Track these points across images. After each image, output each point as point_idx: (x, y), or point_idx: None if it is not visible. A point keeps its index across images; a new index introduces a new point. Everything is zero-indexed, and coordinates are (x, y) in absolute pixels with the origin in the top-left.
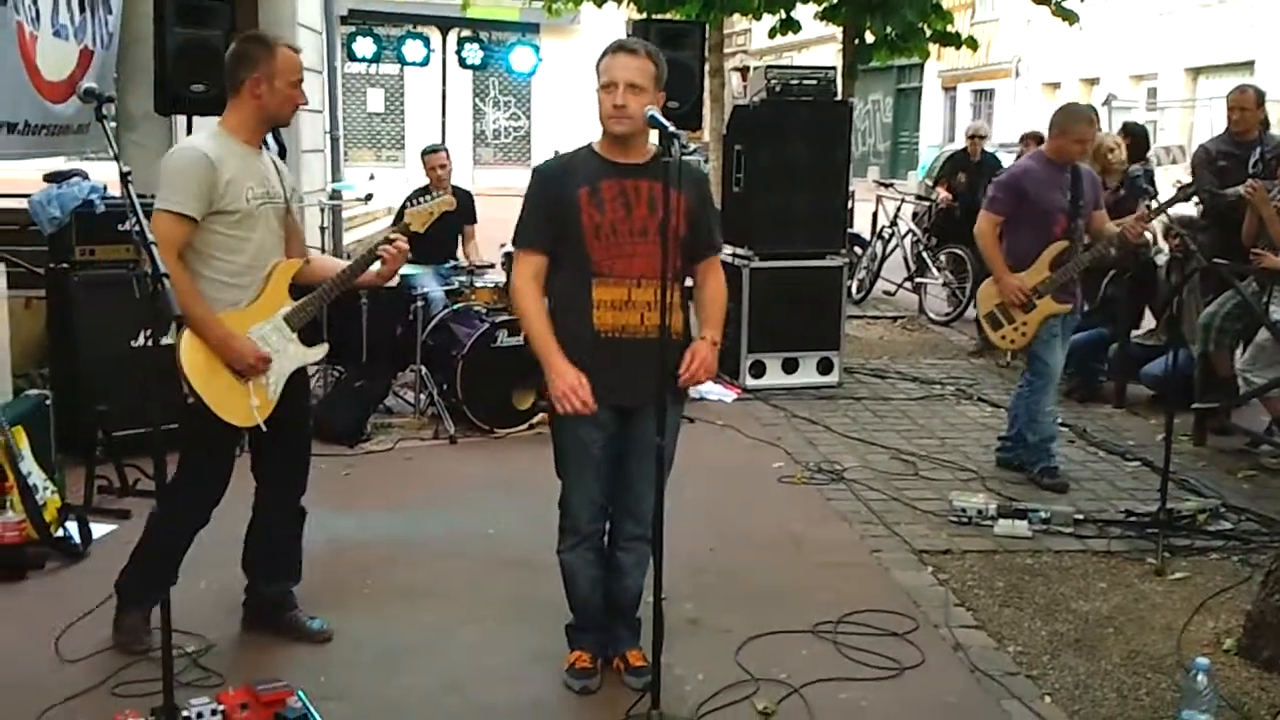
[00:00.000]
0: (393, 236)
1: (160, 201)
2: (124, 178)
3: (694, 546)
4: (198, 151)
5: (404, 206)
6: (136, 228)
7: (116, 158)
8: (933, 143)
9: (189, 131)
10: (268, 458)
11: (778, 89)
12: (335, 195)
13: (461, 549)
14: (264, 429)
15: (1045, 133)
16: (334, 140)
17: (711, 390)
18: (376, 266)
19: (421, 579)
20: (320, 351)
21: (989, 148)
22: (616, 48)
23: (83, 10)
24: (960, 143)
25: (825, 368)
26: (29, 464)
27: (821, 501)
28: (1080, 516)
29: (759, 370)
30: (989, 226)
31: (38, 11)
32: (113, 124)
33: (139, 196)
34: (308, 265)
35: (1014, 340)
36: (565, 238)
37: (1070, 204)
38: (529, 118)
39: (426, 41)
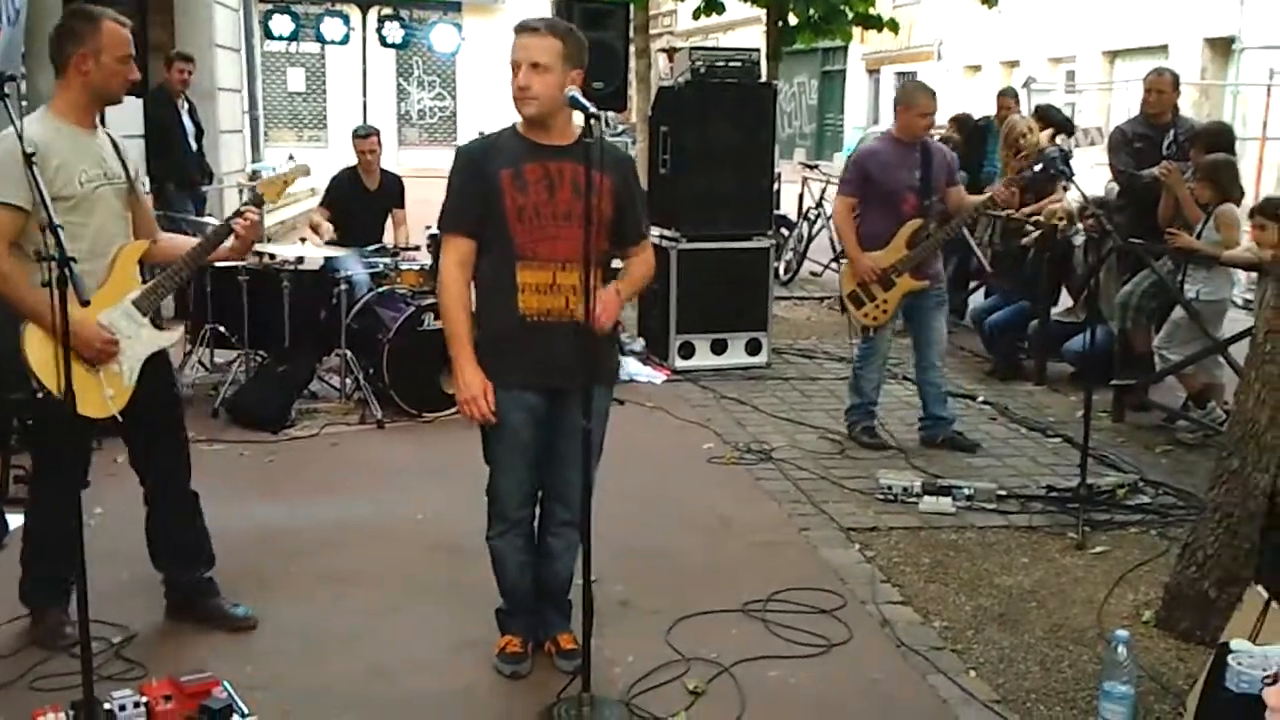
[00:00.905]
0: (244, 209)
1: None
2: (28, 159)
3: (624, 528)
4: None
5: (330, 186)
6: (46, 216)
7: (20, 137)
8: (857, 125)
9: (101, 113)
10: (142, 448)
11: (702, 71)
12: (254, 176)
13: (390, 534)
14: (119, 419)
15: (971, 115)
16: (253, 120)
17: (640, 372)
18: (231, 241)
19: (349, 565)
20: (175, 335)
21: None
22: (519, 27)
23: None
24: (886, 125)
25: (754, 349)
26: None
27: (751, 481)
28: (1003, 493)
29: (688, 351)
30: (844, 209)
31: None
32: (24, 103)
33: None
34: (157, 245)
35: (876, 317)
36: (489, 220)
37: (921, 182)
38: (454, 98)
39: (346, 19)
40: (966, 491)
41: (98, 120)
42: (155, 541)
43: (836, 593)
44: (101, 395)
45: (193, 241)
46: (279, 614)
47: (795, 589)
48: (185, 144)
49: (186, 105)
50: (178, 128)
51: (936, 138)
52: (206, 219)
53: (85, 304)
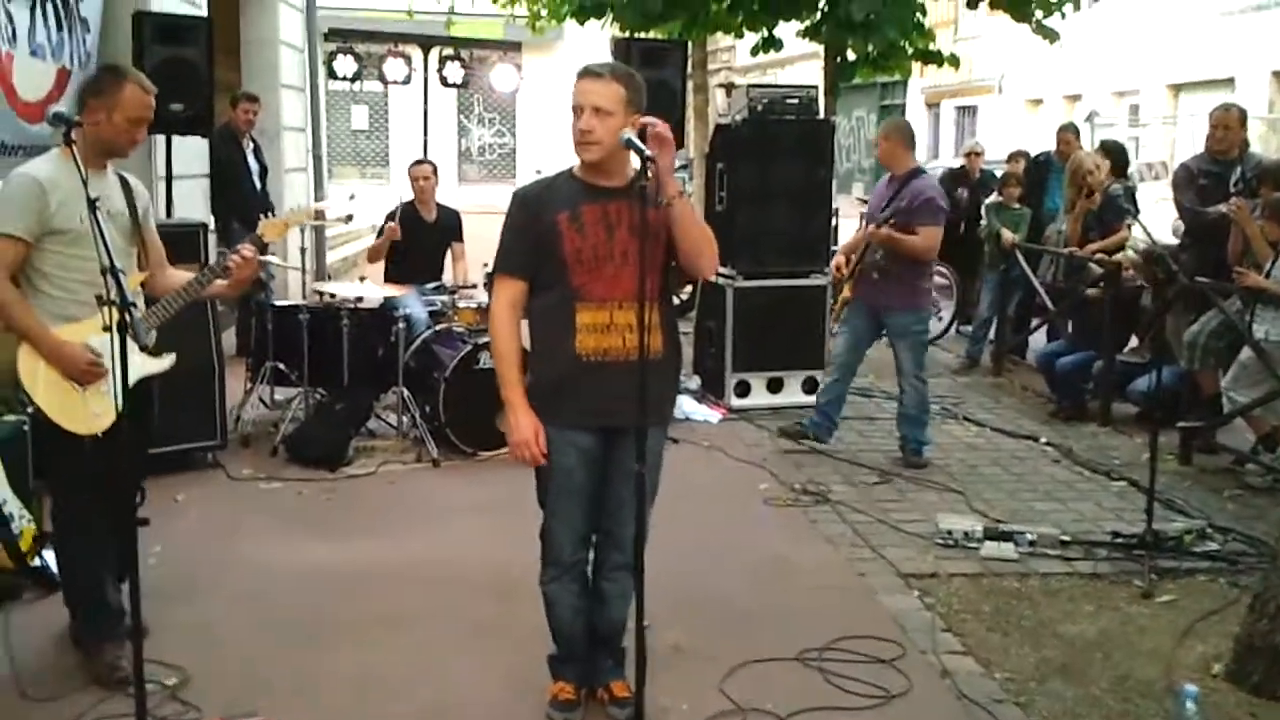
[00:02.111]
0: (239, 247)
1: None
2: (91, 205)
3: (679, 571)
4: (29, 176)
5: (385, 221)
6: (105, 261)
7: (85, 182)
8: (917, 159)
9: (169, 151)
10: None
11: (759, 108)
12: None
13: (445, 575)
14: (100, 436)
15: (1027, 151)
16: (316, 158)
17: (696, 411)
18: (224, 280)
19: (404, 606)
20: (165, 363)
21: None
22: (583, 72)
23: (60, 29)
24: (946, 160)
25: (810, 387)
26: (4, 491)
27: (807, 524)
28: (1066, 538)
29: (744, 390)
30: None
31: (14, 30)
32: None
33: None
34: (162, 278)
35: (835, 309)
36: (546, 262)
37: (882, 211)
38: (514, 134)
39: (408, 60)
40: (1029, 537)
41: (106, 164)
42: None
43: (895, 641)
44: (88, 412)
45: (192, 275)
46: (335, 656)
47: (853, 637)
48: (249, 182)
49: (251, 144)
50: (242, 166)
51: (999, 173)
52: (270, 257)
53: (144, 348)
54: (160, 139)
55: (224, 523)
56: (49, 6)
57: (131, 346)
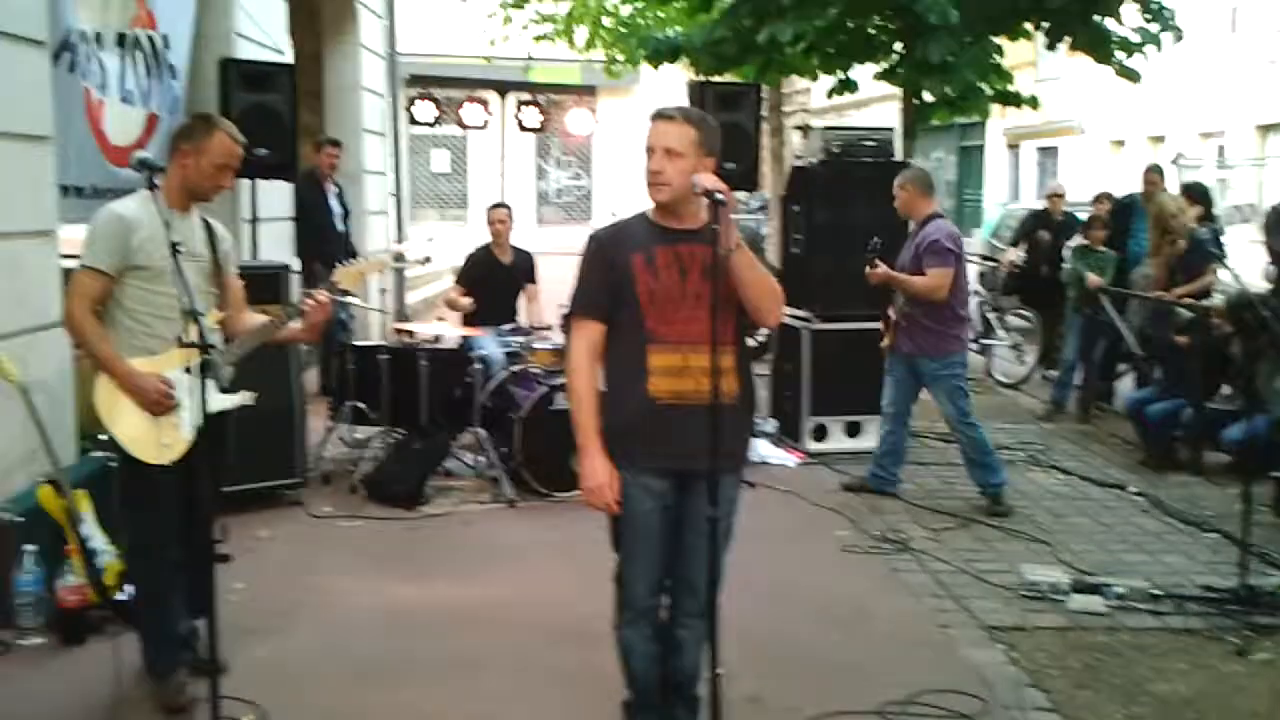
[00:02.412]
0: (314, 292)
1: (80, 257)
2: (174, 248)
3: (754, 619)
4: (114, 213)
5: (465, 263)
6: (186, 303)
7: (167, 225)
8: (997, 200)
9: (254, 196)
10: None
11: (836, 150)
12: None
13: (519, 618)
14: (169, 466)
15: (1112, 193)
16: (397, 201)
17: (772, 454)
18: (298, 322)
19: (478, 649)
20: (237, 399)
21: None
22: (656, 114)
23: (149, 76)
24: (1027, 201)
25: None
26: (90, 527)
27: (887, 572)
28: (1157, 592)
29: (821, 434)
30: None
31: (106, 78)
32: None
33: None
34: (238, 320)
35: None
36: (621, 304)
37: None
38: (590, 177)
39: (486, 105)
40: (1118, 590)
41: (191, 206)
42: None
43: (979, 696)
44: (158, 442)
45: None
46: (410, 697)
47: (936, 690)
48: (331, 225)
49: (335, 189)
50: (324, 209)
51: (1082, 215)
52: (351, 299)
53: (225, 391)
54: (246, 183)
55: (304, 560)
56: (139, 54)
57: (208, 385)
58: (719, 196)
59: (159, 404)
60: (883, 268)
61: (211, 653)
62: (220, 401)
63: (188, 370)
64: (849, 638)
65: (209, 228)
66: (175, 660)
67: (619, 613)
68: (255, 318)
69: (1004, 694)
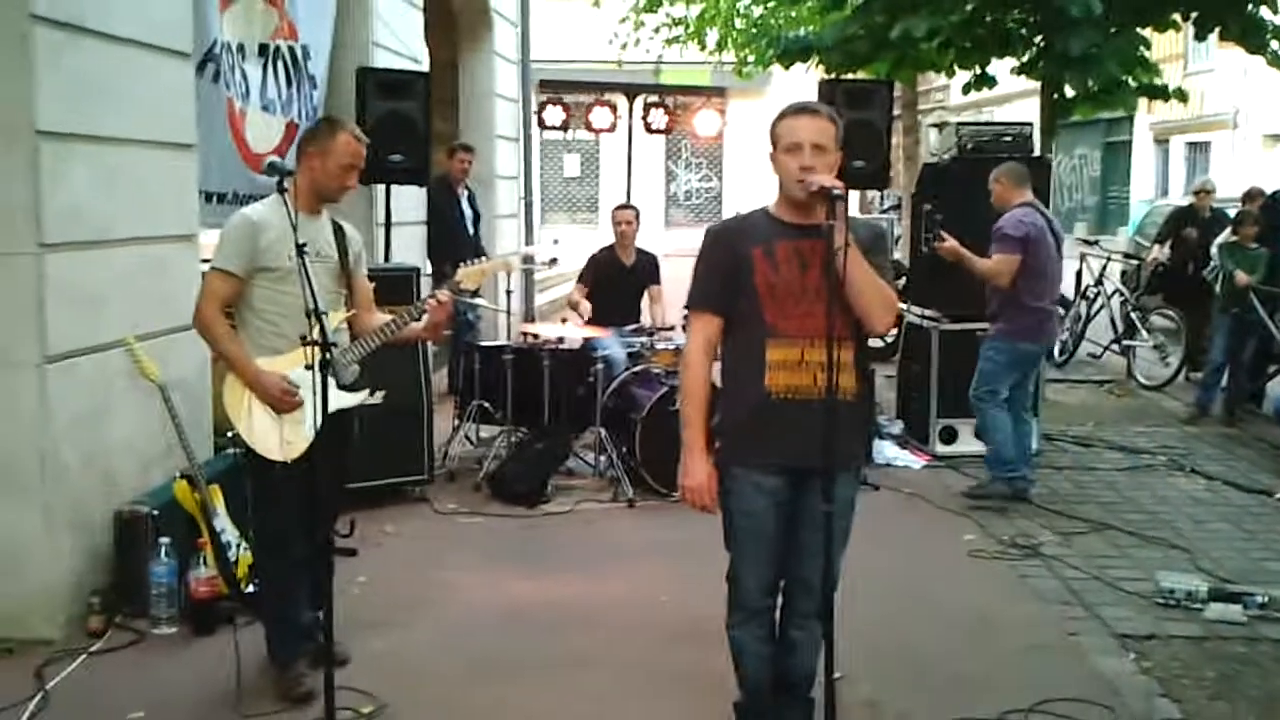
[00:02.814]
0: (436, 292)
1: (212, 259)
2: (299, 249)
3: (875, 623)
4: (245, 217)
5: (588, 264)
6: (313, 303)
7: (294, 228)
8: (1144, 197)
9: (388, 200)
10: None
11: (969, 146)
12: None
13: (634, 617)
14: (288, 463)
15: (1263, 189)
16: (527, 205)
17: (898, 456)
18: (423, 321)
19: (592, 648)
20: (358, 397)
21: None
22: (799, 109)
23: (289, 85)
24: (1176, 198)
25: None
26: (223, 520)
27: (1015, 579)
28: None
29: (949, 436)
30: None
31: (248, 88)
32: None
33: None
34: (362, 318)
35: None
36: (739, 297)
37: None
38: (720, 179)
39: (614, 109)
40: (1260, 599)
41: (322, 209)
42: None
43: (1108, 705)
44: (280, 438)
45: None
46: (527, 693)
47: (1061, 699)
48: (463, 229)
49: (466, 193)
50: (456, 214)
51: (1233, 212)
52: (478, 300)
53: (342, 387)
54: (381, 189)
55: (427, 556)
56: (280, 65)
57: (329, 383)
58: (837, 192)
59: (282, 402)
60: (951, 241)
61: (328, 643)
62: (342, 400)
63: (308, 367)
64: (972, 644)
65: (339, 229)
66: (297, 651)
67: (731, 613)
68: (382, 317)
69: (1133, 704)
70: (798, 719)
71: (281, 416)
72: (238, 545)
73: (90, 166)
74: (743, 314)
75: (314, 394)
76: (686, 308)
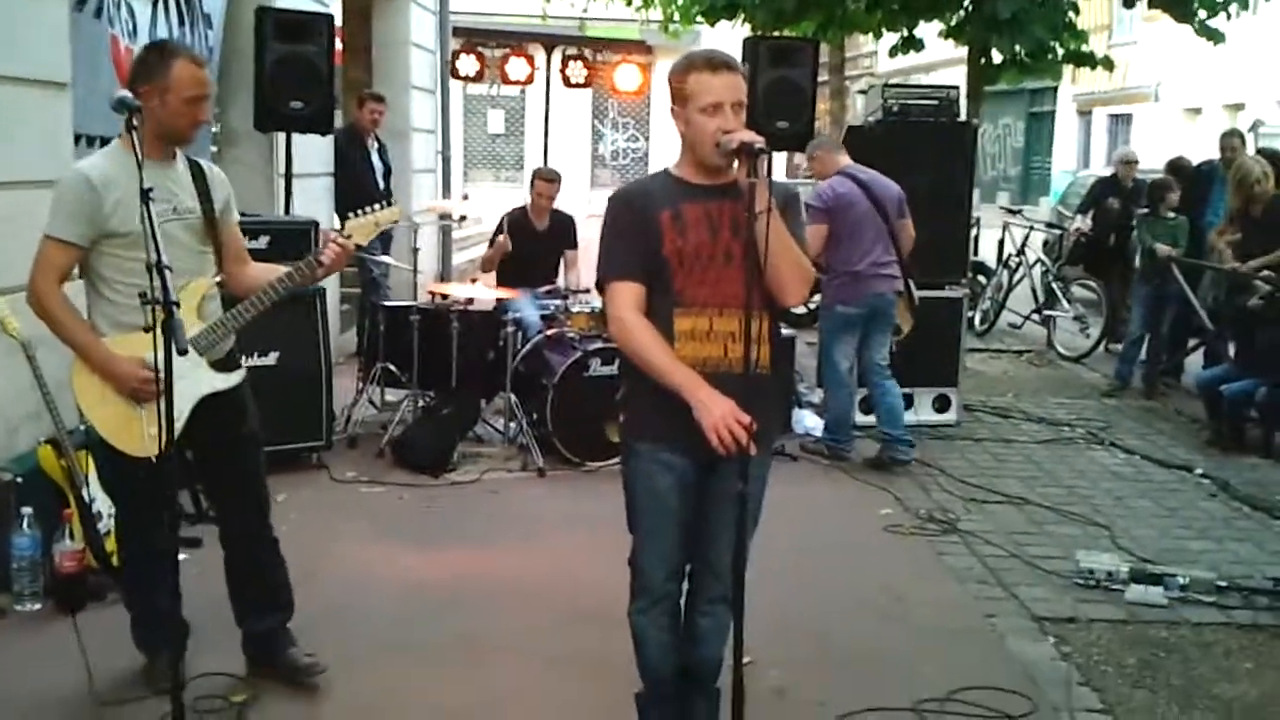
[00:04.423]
0: (330, 244)
1: (46, 226)
2: (144, 195)
3: (785, 604)
4: (81, 175)
5: (498, 227)
6: (154, 255)
7: (140, 166)
8: (1066, 168)
9: (289, 148)
10: (214, 488)
11: (895, 109)
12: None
13: (536, 595)
14: (153, 460)
15: (1186, 160)
16: (445, 160)
17: (817, 426)
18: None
19: (491, 629)
20: (235, 378)
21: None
22: (713, 64)
23: (181, 24)
24: (1098, 168)
25: (942, 405)
26: (94, 489)
27: (932, 556)
28: (1223, 584)
29: (869, 406)
30: None
31: (135, 25)
32: (211, 138)
33: (241, 215)
34: (243, 279)
35: None
36: (647, 265)
37: None
38: (647, 139)
39: (531, 60)
40: (1180, 580)
41: (175, 152)
42: (232, 585)
43: (1025, 695)
44: (143, 432)
45: (278, 272)
46: (411, 682)
47: (977, 688)
48: (372, 182)
49: (376, 145)
50: (364, 166)
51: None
52: (386, 258)
53: (183, 352)
54: (281, 137)
55: (321, 528)
56: (171, 2)
57: (198, 362)
58: (759, 147)
59: (140, 391)
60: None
61: (174, 671)
62: (214, 381)
63: (147, 330)
64: (886, 627)
65: (198, 172)
66: (161, 641)
67: (634, 598)
68: (262, 271)
69: (1052, 693)
70: (703, 710)
71: (143, 406)
72: (109, 516)
73: None
74: (650, 283)
75: (183, 378)
76: (599, 282)
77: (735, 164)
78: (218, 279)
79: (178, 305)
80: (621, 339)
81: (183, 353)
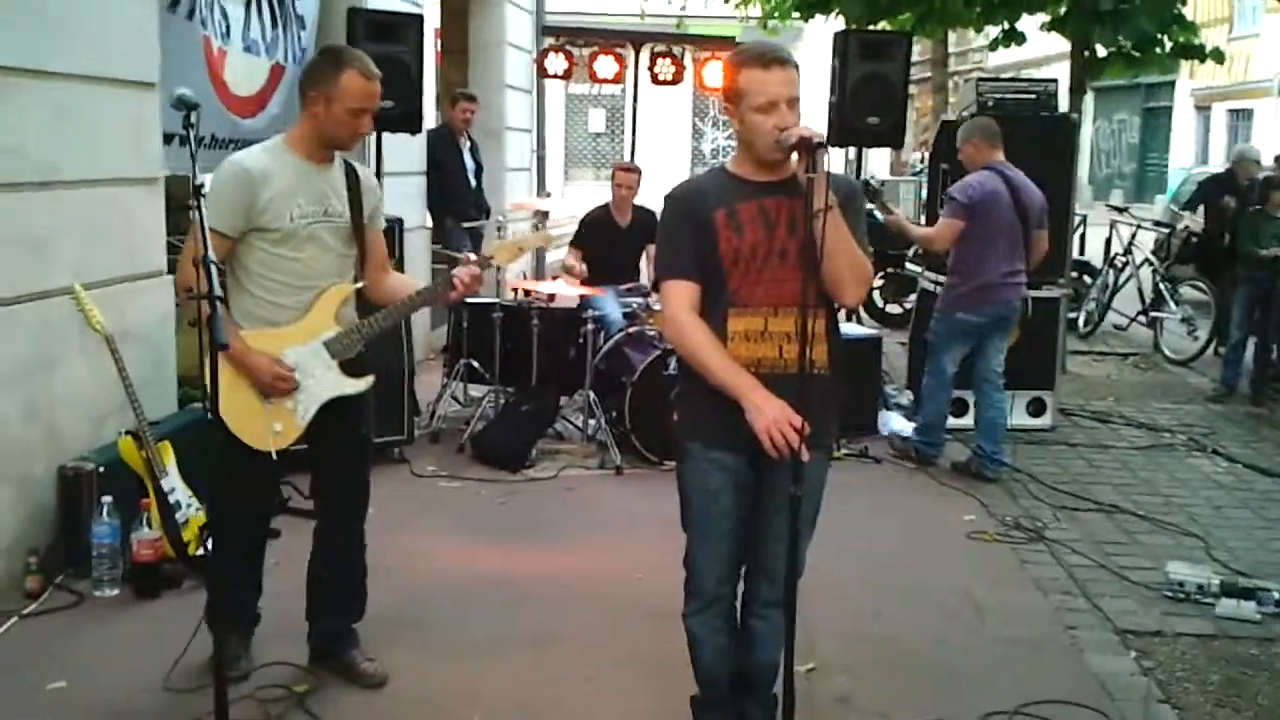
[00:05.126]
0: (468, 267)
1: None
2: (196, 192)
3: (857, 609)
4: (240, 166)
5: (580, 226)
6: (202, 250)
7: (193, 169)
8: (1183, 165)
9: (379, 147)
10: (323, 486)
11: (989, 103)
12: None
13: (606, 593)
14: (274, 456)
15: None
16: (539, 159)
17: (905, 428)
18: (453, 296)
19: (558, 624)
20: (362, 384)
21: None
22: (765, 60)
23: (274, 26)
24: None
25: (1037, 409)
26: (173, 480)
27: (1015, 564)
28: None
29: (960, 409)
30: None
31: (228, 27)
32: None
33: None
34: (382, 288)
35: None
36: (702, 264)
37: None
38: None
39: (620, 58)
40: (1275, 595)
41: (333, 156)
42: (313, 580)
43: (1100, 710)
44: (266, 427)
45: (416, 286)
46: (476, 675)
47: (1049, 701)
48: (465, 181)
49: (469, 143)
50: (456, 165)
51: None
52: (472, 257)
53: (223, 347)
54: (372, 136)
55: (398, 521)
56: (264, 3)
57: (329, 364)
58: (818, 140)
59: (273, 386)
60: (896, 214)
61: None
62: (343, 385)
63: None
64: (961, 636)
65: (352, 176)
66: (233, 625)
67: (687, 600)
68: (402, 283)
69: (1128, 709)
70: (757, 716)
71: (271, 401)
72: (189, 506)
73: (36, 103)
74: (707, 284)
75: (314, 377)
76: (655, 282)
77: (795, 158)
78: (359, 285)
79: (222, 300)
80: (676, 340)
81: (223, 347)
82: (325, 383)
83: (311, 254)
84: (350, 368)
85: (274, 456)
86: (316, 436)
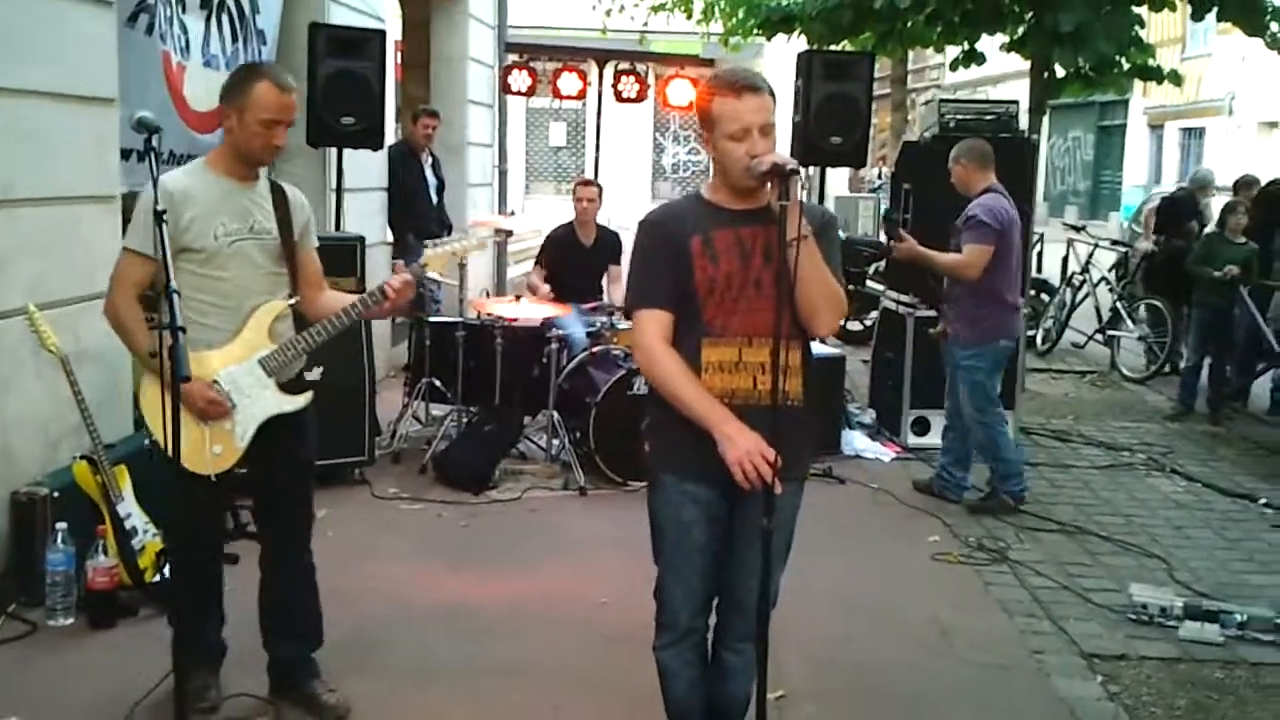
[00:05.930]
0: (399, 275)
1: (125, 239)
2: (158, 216)
3: (824, 634)
4: (160, 189)
5: (545, 243)
6: (163, 277)
7: (155, 183)
8: (1137, 183)
9: (339, 163)
10: (264, 510)
11: (951, 124)
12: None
13: (570, 619)
14: (213, 480)
15: (1254, 177)
16: (501, 174)
17: (868, 448)
18: (385, 306)
19: (521, 653)
20: (301, 400)
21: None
22: (737, 86)
23: (235, 40)
24: (1169, 184)
25: None
26: (129, 505)
27: (979, 586)
28: None
29: (922, 427)
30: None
31: (187, 41)
32: None
33: None
34: (317, 303)
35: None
36: (676, 293)
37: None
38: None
39: (583, 75)
40: (1238, 618)
41: (258, 173)
42: (263, 608)
43: None
44: (206, 451)
45: (349, 299)
46: (441, 705)
47: None
48: (425, 197)
49: (430, 159)
50: (418, 181)
51: (1223, 204)
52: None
53: (185, 379)
54: (332, 152)
55: (358, 546)
56: (224, 18)
57: (266, 383)
58: (791, 168)
59: (206, 411)
60: (909, 241)
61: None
62: (281, 403)
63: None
64: (927, 660)
65: (279, 194)
66: (198, 660)
67: (658, 633)
68: (335, 299)
69: None
70: None
71: (209, 424)
72: (145, 532)
73: None
74: (680, 314)
75: (250, 397)
76: (627, 310)
77: (768, 186)
78: (292, 301)
79: (184, 330)
80: (648, 369)
81: (185, 380)
82: (263, 402)
83: (238, 273)
84: (290, 387)
85: (213, 479)
86: (256, 460)
